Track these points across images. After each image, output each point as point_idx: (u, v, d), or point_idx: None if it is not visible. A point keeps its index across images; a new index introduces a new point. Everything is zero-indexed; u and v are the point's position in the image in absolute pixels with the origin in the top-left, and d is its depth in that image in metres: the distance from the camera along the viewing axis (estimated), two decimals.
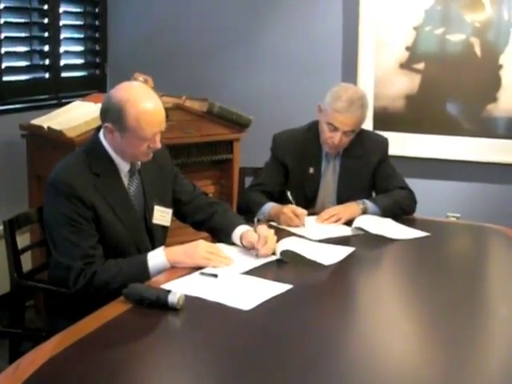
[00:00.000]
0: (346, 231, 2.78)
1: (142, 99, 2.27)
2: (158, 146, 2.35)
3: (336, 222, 2.85)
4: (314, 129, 3.07)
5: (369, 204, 2.94)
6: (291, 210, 2.79)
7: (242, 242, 2.47)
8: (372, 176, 3.09)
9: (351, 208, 2.91)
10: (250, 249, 2.43)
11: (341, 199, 3.04)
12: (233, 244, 2.50)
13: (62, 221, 2.25)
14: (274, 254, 2.41)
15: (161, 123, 2.32)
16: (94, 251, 2.26)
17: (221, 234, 2.56)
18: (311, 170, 3.07)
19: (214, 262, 2.28)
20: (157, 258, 2.27)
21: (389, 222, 2.89)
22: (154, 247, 2.41)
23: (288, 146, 3.09)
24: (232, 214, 2.65)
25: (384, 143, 3.15)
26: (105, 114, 2.32)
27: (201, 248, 2.30)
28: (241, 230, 2.50)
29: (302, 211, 2.79)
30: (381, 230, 2.76)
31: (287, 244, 2.45)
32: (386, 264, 2.65)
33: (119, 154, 2.37)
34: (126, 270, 2.23)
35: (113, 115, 2.27)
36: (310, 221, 2.84)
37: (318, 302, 2.15)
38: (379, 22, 4.10)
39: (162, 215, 2.51)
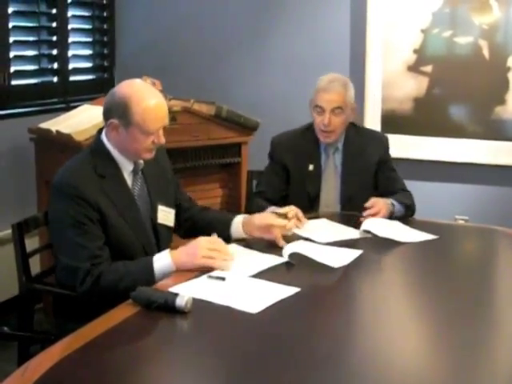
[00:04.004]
0: (354, 234, 2.78)
1: (144, 95, 2.32)
2: (163, 140, 2.37)
3: (374, 215, 2.83)
4: (310, 127, 3.10)
5: (396, 204, 2.94)
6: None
7: (244, 230, 2.51)
8: (374, 174, 3.11)
9: (386, 206, 2.89)
10: (258, 234, 2.51)
11: (344, 197, 3.05)
12: (229, 241, 2.49)
13: (68, 223, 2.26)
14: (283, 246, 2.44)
15: (164, 118, 2.36)
16: (100, 252, 2.26)
17: (219, 225, 2.56)
18: (311, 167, 3.08)
19: (217, 262, 2.26)
20: (162, 260, 2.26)
21: (397, 224, 2.88)
22: (159, 248, 2.42)
23: (285, 145, 3.13)
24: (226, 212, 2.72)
25: (384, 140, 3.18)
26: (109, 110, 2.34)
27: (201, 246, 2.27)
28: (240, 218, 2.55)
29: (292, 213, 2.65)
30: (389, 233, 2.75)
31: (295, 247, 2.44)
32: (393, 267, 2.64)
33: (122, 153, 2.39)
34: (132, 272, 2.23)
35: (118, 111, 2.30)
36: (317, 223, 2.84)
37: (325, 305, 2.15)
38: (387, 24, 4.10)
39: (165, 215, 2.52)
